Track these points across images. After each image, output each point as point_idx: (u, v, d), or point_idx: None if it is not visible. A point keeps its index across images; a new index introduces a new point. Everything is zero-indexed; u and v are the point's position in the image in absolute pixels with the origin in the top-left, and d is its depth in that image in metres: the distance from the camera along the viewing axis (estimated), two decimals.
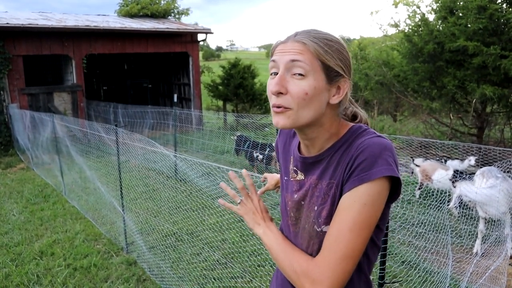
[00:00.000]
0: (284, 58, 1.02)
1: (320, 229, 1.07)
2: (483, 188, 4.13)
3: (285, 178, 1.25)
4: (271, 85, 1.03)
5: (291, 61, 1.01)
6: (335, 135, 1.09)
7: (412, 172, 6.60)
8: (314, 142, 1.10)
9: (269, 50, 1.11)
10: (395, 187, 1.01)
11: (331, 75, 1.03)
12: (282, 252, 1.10)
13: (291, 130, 1.27)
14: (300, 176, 1.17)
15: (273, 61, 1.05)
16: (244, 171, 1.25)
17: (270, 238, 1.15)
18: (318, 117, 1.04)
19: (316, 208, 1.09)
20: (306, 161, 1.14)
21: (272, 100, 1.04)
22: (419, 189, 5.93)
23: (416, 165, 6.10)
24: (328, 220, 1.05)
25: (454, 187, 5.08)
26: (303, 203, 1.15)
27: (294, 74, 1.01)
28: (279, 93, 1.02)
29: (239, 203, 1.22)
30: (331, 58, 1.02)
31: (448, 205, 4.94)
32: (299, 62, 1.00)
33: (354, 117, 1.18)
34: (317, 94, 1.01)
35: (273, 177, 1.69)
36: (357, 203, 0.97)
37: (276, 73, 1.04)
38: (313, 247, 1.10)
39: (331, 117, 1.08)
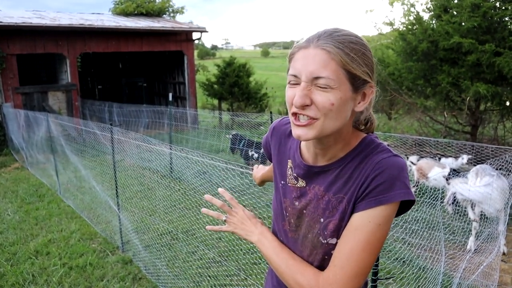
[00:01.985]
0: (307, 70, 0.94)
1: (325, 241, 1.07)
2: (479, 186, 4.17)
3: (282, 182, 1.20)
4: (295, 98, 0.96)
5: (315, 78, 0.94)
6: (347, 145, 1.05)
7: None
8: (327, 150, 1.06)
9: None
10: (406, 204, 1.01)
11: (357, 84, 0.97)
12: (284, 263, 1.09)
13: (286, 129, 1.22)
14: (301, 183, 1.13)
15: (294, 75, 0.97)
16: (220, 189, 1.28)
17: (267, 247, 1.14)
18: (343, 126, 1.00)
19: (322, 220, 1.07)
20: (311, 170, 1.10)
21: (293, 109, 0.98)
22: (414, 186, 5.97)
23: (412, 163, 6.14)
24: (335, 233, 1.05)
25: (448, 184, 5.12)
26: (305, 212, 1.12)
27: (318, 86, 0.95)
28: (304, 106, 0.95)
29: (225, 220, 1.24)
30: (357, 66, 0.95)
31: (442, 202, 4.98)
32: (323, 79, 0.93)
33: (366, 122, 1.13)
34: (343, 104, 0.96)
35: (256, 175, 1.57)
36: (372, 224, 0.96)
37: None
38: (315, 257, 1.10)
39: (349, 124, 1.04)
